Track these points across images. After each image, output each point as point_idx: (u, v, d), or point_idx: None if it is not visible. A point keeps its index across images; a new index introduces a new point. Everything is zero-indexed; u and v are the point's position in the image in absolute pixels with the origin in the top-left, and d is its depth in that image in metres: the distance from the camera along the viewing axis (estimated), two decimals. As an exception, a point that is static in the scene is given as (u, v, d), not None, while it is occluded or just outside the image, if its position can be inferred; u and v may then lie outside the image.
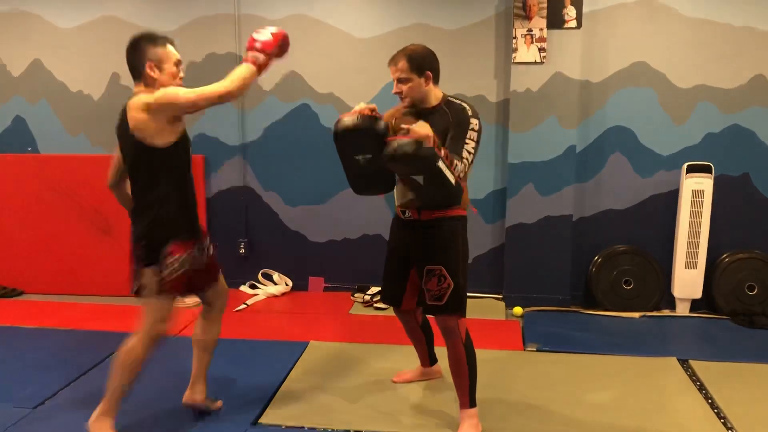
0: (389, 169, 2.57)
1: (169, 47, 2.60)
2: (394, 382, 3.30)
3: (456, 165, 2.53)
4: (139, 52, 2.55)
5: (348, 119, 2.58)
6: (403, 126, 2.50)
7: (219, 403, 3.04)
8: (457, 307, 2.73)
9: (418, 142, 2.38)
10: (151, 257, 2.59)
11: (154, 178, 2.58)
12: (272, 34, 2.57)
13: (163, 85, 2.55)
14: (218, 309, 2.96)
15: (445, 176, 2.47)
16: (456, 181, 2.52)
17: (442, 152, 2.48)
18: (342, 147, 2.66)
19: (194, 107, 2.48)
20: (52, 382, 3.26)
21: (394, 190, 2.86)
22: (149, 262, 2.59)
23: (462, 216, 2.79)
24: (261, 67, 2.55)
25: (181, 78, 2.63)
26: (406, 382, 3.30)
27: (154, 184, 2.59)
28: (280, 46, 2.60)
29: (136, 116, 2.50)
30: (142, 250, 2.60)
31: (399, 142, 2.39)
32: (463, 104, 2.68)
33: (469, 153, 2.60)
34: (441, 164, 2.44)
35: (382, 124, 2.58)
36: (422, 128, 2.43)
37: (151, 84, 2.56)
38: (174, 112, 2.51)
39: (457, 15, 4.59)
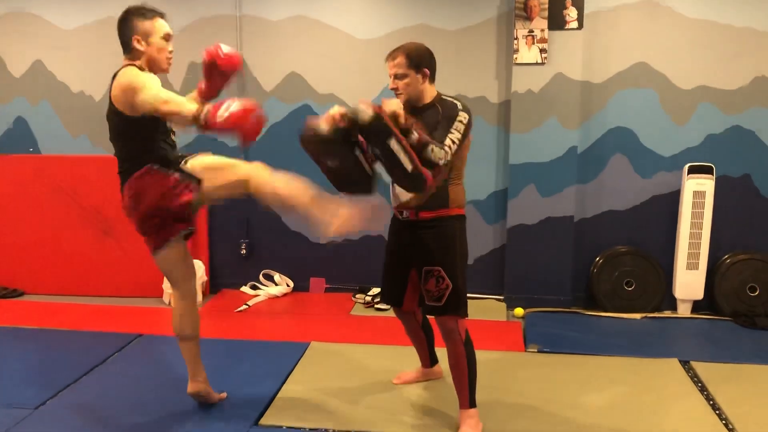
0: (347, 136, 2.53)
1: (159, 20, 2.64)
2: (395, 383, 3.30)
3: (432, 149, 2.51)
4: (127, 25, 2.62)
5: (308, 128, 2.61)
6: (383, 100, 2.52)
7: (224, 395, 3.09)
8: (456, 307, 2.73)
9: (377, 114, 2.38)
10: (174, 164, 2.71)
11: (131, 142, 2.69)
12: (237, 115, 2.42)
13: (150, 58, 2.62)
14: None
15: (397, 159, 2.43)
16: (415, 169, 2.45)
17: (415, 135, 2.48)
18: (311, 152, 2.70)
19: (154, 111, 2.50)
20: (54, 382, 3.26)
21: (390, 192, 2.87)
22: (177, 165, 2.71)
23: (460, 216, 2.80)
24: (208, 127, 2.43)
25: (170, 52, 2.69)
26: (407, 383, 3.29)
27: (131, 147, 2.71)
28: (241, 127, 2.46)
29: (115, 90, 2.59)
30: (164, 167, 2.69)
31: (360, 109, 2.40)
32: (455, 101, 2.70)
33: (453, 142, 2.59)
34: (393, 144, 2.41)
35: (321, 128, 2.56)
36: (393, 104, 2.49)
37: (137, 57, 2.62)
38: (133, 103, 2.52)
39: (458, 16, 4.59)
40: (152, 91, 2.47)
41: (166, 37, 2.65)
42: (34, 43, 5.02)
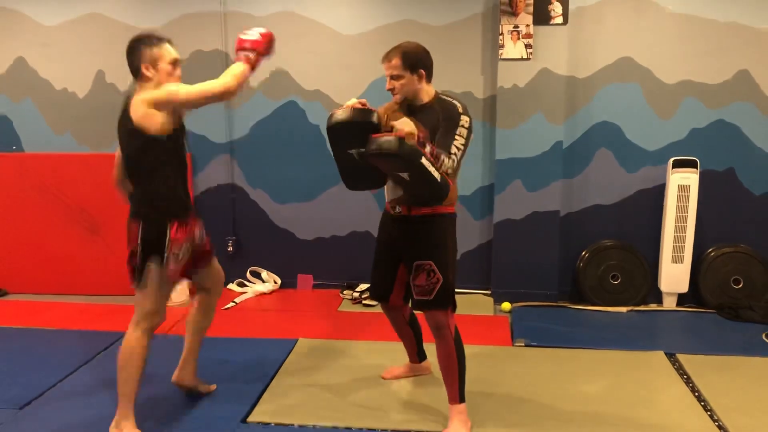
0: (373, 165, 2.59)
1: (166, 47, 2.69)
2: (384, 378, 3.30)
3: (443, 161, 2.55)
4: (135, 54, 2.67)
5: (341, 112, 2.63)
6: (392, 123, 2.54)
7: (213, 387, 3.13)
8: (446, 301, 2.74)
9: (400, 140, 2.41)
10: (153, 247, 2.64)
11: (153, 167, 2.66)
12: (261, 34, 2.72)
13: (160, 83, 2.64)
14: (214, 294, 3.05)
15: (428, 172, 2.48)
16: (442, 178, 2.53)
17: (428, 148, 2.51)
18: (335, 140, 2.70)
19: (193, 104, 2.63)
20: (39, 382, 3.24)
21: (385, 185, 2.87)
22: (152, 252, 2.64)
23: (451, 213, 2.81)
24: (253, 66, 2.71)
25: (179, 77, 2.72)
26: (396, 379, 3.30)
27: (154, 173, 2.66)
28: (268, 46, 2.74)
29: (138, 110, 2.59)
30: (144, 240, 2.65)
31: (381, 139, 2.44)
32: (454, 101, 2.70)
33: (458, 149, 2.61)
34: (424, 161, 2.45)
35: (374, 116, 2.62)
36: (406, 125, 2.46)
37: (146, 81, 2.66)
38: (174, 107, 2.62)
39: (443, 11, 4.59)
40: (188, 89, 2.60)
41: (173, 63, 2.71)
42: (16, 40, 4.96)
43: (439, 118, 2.66)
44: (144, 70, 2.65)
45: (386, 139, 2.43)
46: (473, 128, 2.71)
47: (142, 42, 2.68)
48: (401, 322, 3.19)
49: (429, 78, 2.75)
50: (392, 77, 2.71)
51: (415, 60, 2.69)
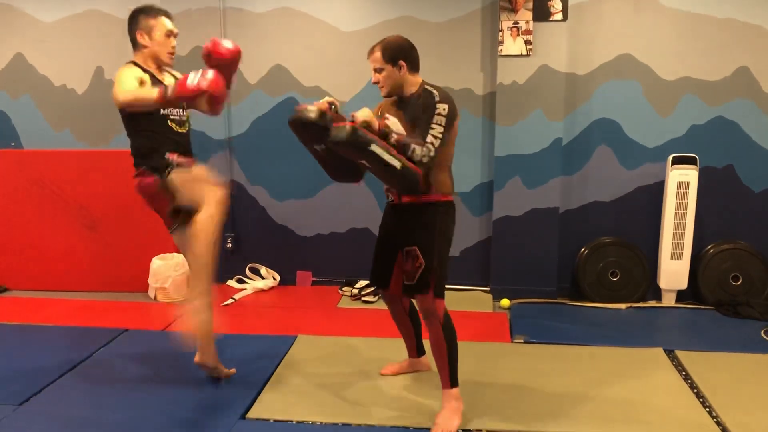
0: (336, 152, 2.64)
1: (163, 18, 2.96)
2: (382, 374, 3.30)
3: (414, 149, 2.58)
4: (133, 22, 2.96)
5: (297, 113, 2.67)
6: (353, 114, 2.62)
7: (233, 371, 3.21)
8: (426, 286, 2.76)
9: (353, 128, 2.46)
10: (162, 171, 2.97)
11: (134, 126, 2.99)
12: (206, 81, 2.66)
13: (153, 53, 2.96)
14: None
15: (383, 160, 2.50)
16: (404, 166, 2.53)
17: (394, 137, 2.58)
18: (299, 137, 2.78)
19: (118, 105, 2.82)
20: (38, 378, 3.23)
21: None
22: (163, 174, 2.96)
23: (443, 201, 2.82)
24: (164, 101, 2.71)
25: (173, 47, 3.01)
26: (394, 374, 3.31)
27: (135, 131, 3.00)
28: (208, 93, 2.69)
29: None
30: (153, 172, 2.97)
31: (335, 128, 2.50)
32: (434, 91, 2.72)
33: (435, 137, 2.63)
34: (375, 148, 2.47)
35: (326, 117, 2.61)
36: (361, 114, 2.59)
37: (141, 50, 2.97)
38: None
39: (443, 8, 4.58)
40: (119, 86, 2.78)
41: (168, 34, 2.96)
42: (14, 36, 4.95)
43: (420, 109, 2.70)
44: (138, 37, 2.92)
45: (338, 127, 2.48)
46: (461, 117, 2.73)
47: (141, 12, 2.94)
48: (401, 313, 3.21)
49: (412, 69, 2.78)
50: (375, 70, 2.77)
51: (396, 52, 2.74)
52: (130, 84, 2.80)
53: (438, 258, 2.77)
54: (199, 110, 3.01)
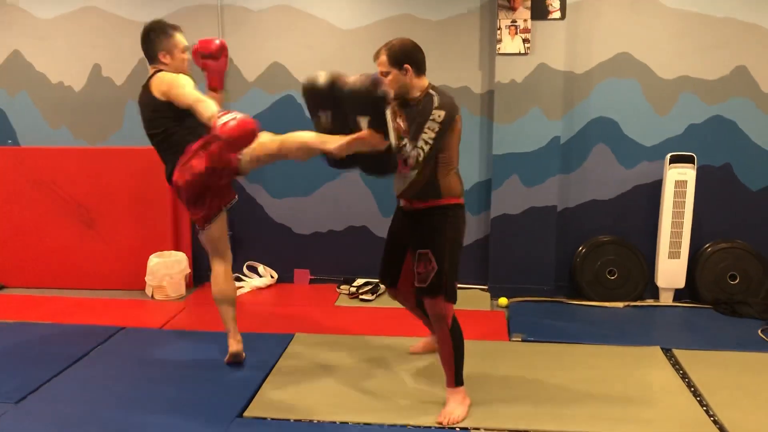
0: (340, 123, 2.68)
1: (177, 36, 3.15)
2: (411, 353, 3.48)
3: (406, 146, 2.64)
4: (152, 43, 3.13)
5: (312, 77, 2.70)
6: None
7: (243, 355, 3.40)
8: (438, 289, 2.80)
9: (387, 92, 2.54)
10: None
11: (171, 127, 3.11)
12: (239, 121, 2.66)
13: (174, 68, 3.13)
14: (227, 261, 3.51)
15: (386, 128, 2.56)
16: (395, 151, 2.60)
17: (400, 124, 2.68)
18: (307, 104, 2.83)
19: (186, 107, 2.96)
20: (35, 376, 3.23)
21: (393, 180, 2.94)
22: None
23: (453, 204, 2.86)
24: (211, 124, 2.75)
25: (187, 60, 3.21)
26: (422, 351, 3.48)
27: (172, 132, 3.12)
28: (236, 137, 2.69)
29: (162, 87, 3.06)
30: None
31: (376, 76, 2.58)
32: (435, 96, 2.75)
33: (426, 143, 2.67)
34: (388, 113, 2.54)
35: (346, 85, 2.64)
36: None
37: (162, 65, 3.13)
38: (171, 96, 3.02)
39: (442, 6, 4.57)
40: (188, 89, 2.98)
41: (184, 50, 3.18)
42: (12, 33, 4.93)
43: (418, 113, 2.73)
44: (161, 58, 3.12)
45: (379, 78, 2.58)
46: (458, 122, 2.79)
47: (157, 32, 3.11)
48: (411, 305, 3.28)
49: (419, 73, 2.80)
50: (382, 74, 2.77)
51: (401, 56, 2.75)
52: (195, 91, 2.97)
53: (450, 261, 2.82)
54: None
